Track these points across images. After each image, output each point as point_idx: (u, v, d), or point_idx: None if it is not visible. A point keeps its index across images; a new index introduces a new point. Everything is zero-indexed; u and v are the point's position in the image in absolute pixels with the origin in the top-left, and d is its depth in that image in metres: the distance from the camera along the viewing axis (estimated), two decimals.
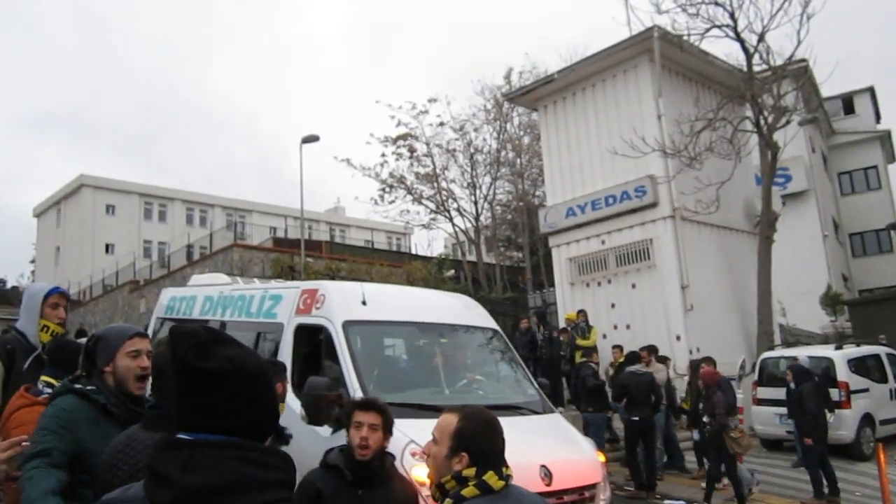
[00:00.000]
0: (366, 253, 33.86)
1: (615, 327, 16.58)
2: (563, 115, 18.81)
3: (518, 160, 30.32)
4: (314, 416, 5.44)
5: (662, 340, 14.73)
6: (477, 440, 2.54)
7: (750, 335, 16.29)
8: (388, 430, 3.58)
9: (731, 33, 15.74)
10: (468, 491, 2.43)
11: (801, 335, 21.03)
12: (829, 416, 10.15)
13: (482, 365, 7.58)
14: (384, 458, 3.58)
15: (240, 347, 1.53)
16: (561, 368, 14.25)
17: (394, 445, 4.35)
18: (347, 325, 6.39)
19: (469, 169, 29.57)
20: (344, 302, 6.70)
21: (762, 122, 15.85)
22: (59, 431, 2.78)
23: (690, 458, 11.38)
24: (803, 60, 16.97)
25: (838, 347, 13.30)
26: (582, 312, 15.28)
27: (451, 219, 30.03)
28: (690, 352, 14.83)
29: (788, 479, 10.78)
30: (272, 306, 7.69)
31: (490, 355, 7.70)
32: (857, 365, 12.77)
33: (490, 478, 2.42)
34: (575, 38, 69.10)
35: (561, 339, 14.64)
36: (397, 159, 29.12)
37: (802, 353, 12.59)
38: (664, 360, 12.39)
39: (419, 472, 4.62)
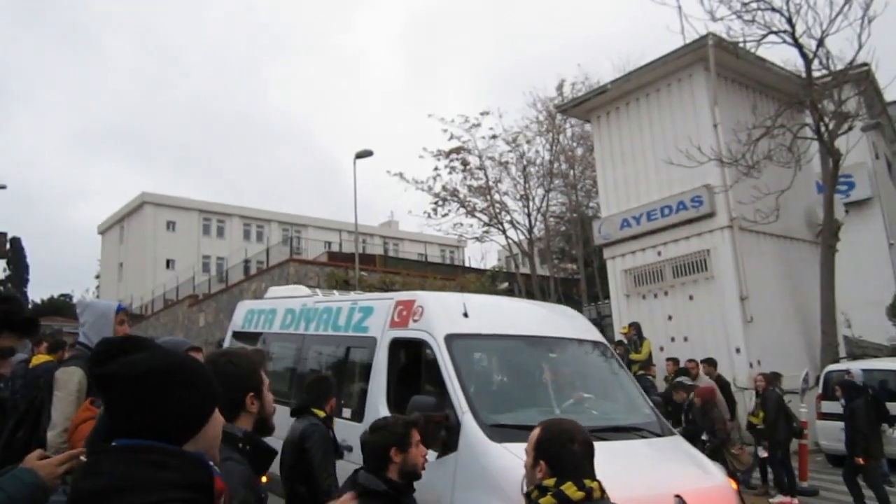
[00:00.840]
0: (419, 266, 34.04)
1: (672, 340, 16.30)
2: (616, 125, 18.65)
3: (571, 171, 30.10)
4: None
5: (721, 353, 14.45)
6: (554, 449, 2.55)
7: (813, 347, 15.84)
8: None
9: (789, 39, 15.40)
10: (546, 500, 2.43)
11: (868, 347, 20.36)
12: (888, 430, 9.83)
13: (592, 382, 7.11)
14: None
15: (149, 350, 1.55)
16: None
17: (515, 471, 4.17)
18: (450, 339, 5.91)
19: (522, 181, 29.45)
20: (445, 314, 6.27)
21: (823, 128, 15.45)
22: None
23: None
24: (865, 64, 16.49)
25: None
26: (633, 325, 15.07)
27: (504, 231, 29.93)
28: (751, 365, 14.52)
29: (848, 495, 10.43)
30: (362, 319, 7.26)
31: (599, 371, 7.19)
32: None
33: (568, 488, 2.41)
34: (628, 47, 68.62)
35: (617, 352, 14.44)
36: (450, 172, 29.18)
37: (856, 366, 12.17)
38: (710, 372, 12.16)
39: None
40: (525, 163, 29.25)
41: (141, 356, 1.52)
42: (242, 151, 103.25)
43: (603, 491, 2.49)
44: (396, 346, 6.51)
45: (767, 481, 10.75)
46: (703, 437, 9.36)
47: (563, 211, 32.66)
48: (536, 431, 2.66)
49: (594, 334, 7.35)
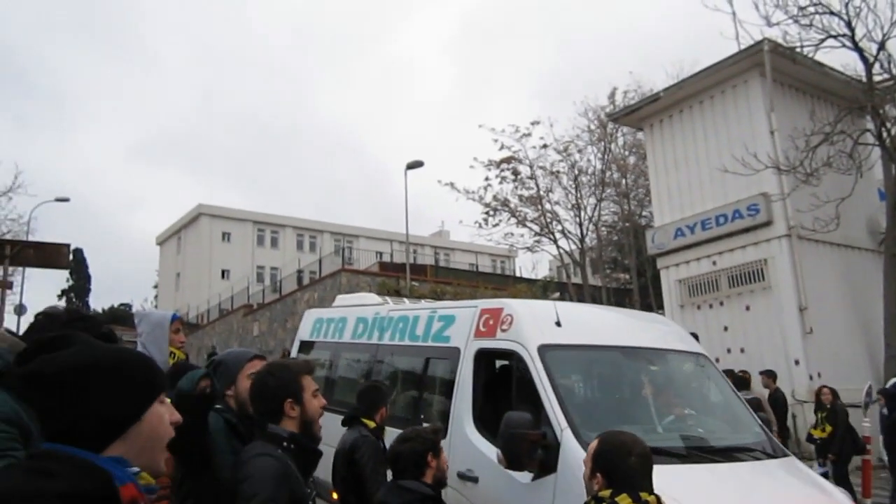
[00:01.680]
0: (470, 276, 34.06)
1: (728, 351, 15.99)
2: (669, 133, 18.45)
3: (623, 180, 29.87)
4: (514, 459, 4.58)
5: (780, 365, 14.13)
6: (610, 461, 2.58)
7: (876, 360, 15.36)
8: None
9: (849, 43, 15.04)
10: None
11: None
12: None
13: (694, 396, 6.66)
14: None
15: (77, 347, 1.48)
16: None
17: None
18: (544, 350, 5.48)
19: (573, 190, 29.36)
20: (536, 323, 5.84)
21: (885, 133, 15.02)
22: None
23: None
24: None
25: None
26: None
27: (555, 241, 29.82)
28: (810, 377, 14.18)
29: None
30: (443, 328, 6.82)
31: (701, 385, 6.74)
32: None
33: (623, 500, 2.42)
34: (681, 54, 67.89)
35: None
36: (501, 182, 29.24)
37: None
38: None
39: None
40: (576, 172, 29.18)
41: (65, 353, 1.45)
42: (294, 161, 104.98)
43: None
44: (482, 357, 6.14)
45: None
46: None
47: (615, 220, 32.42)
48: (594, 443, 2.69)
49: (694, 345, 6.89)
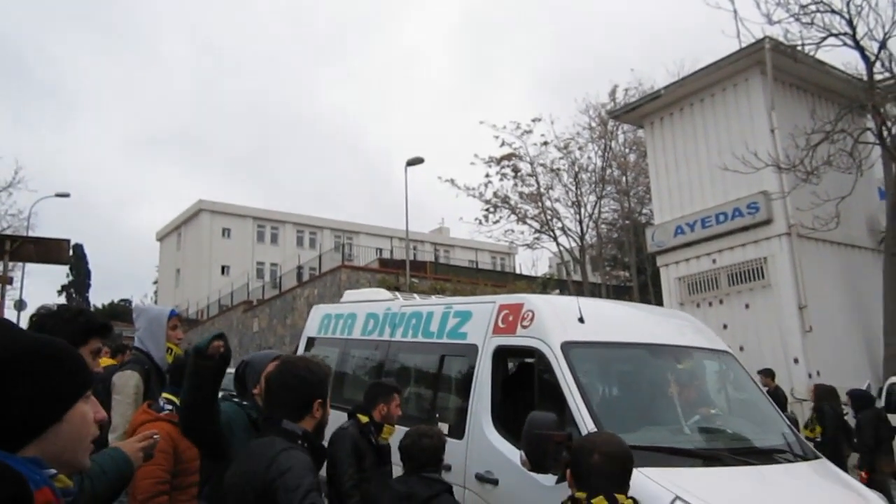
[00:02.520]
0: (470, 273, 34.03)
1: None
2: (670, 131, 18.44)
3: (624, 178, 29.82)
4: (539, 460, 4.31)
5: (779, 363, 14.15)
6: (574, 459, 2.57)
7: (876, 358, 15.37)
8: None
9: (850, 41, 15.02)
10: None
11: None
12: None
13: (721, 396, 6.49)
14: None
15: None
16: None
17: (654, 501, 3.89)
18: (567, 347, 5.27)
19: (574, 188, 29.30)
20: (558, 319, 5.63)
21: (885, 132, 15.02)
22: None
23: None
24: None
25: None
26: None
27: (555, 238, 29.79)
28: (809, 375, 14.19)
29: None
30: (459, 324, 6.58)
31: (728, 384, 6.55)
32: None
33: (599, 502, 2.40)
34: (681, 51, 67.77)
35: None
36: (501, 179, 29.19)
37: None
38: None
39: None
40: (577, 169, 29.13)
41: None
42: (294, 155, 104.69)
43: None
44: (502, 354, 5.94)
45: None
46: None
47: (615, 218, 32.38)
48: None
49: (718, 342, 6.70)
